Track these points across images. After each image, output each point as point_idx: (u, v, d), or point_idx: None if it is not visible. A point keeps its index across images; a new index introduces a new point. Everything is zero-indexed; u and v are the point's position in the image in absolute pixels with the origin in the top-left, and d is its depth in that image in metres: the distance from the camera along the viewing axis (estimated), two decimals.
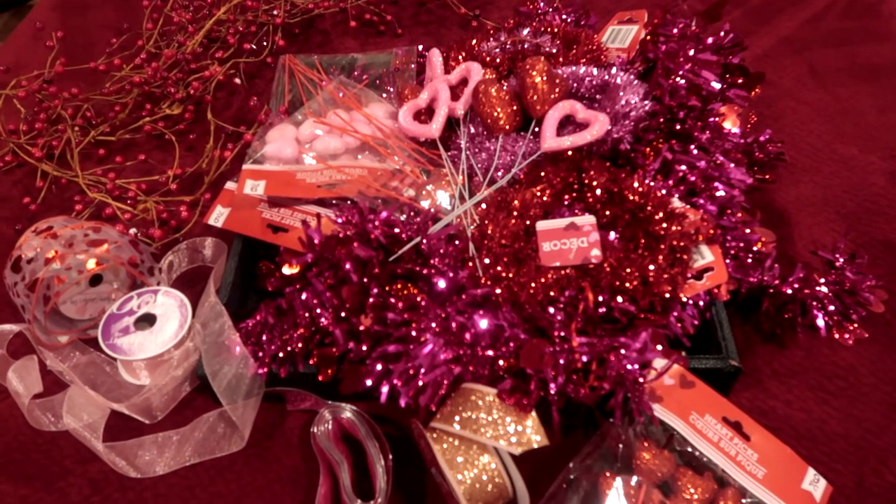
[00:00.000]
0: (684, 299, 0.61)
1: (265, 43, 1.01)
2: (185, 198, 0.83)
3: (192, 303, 0.69)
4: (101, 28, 1.12)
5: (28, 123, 0.92)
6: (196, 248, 0.77)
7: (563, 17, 0.99)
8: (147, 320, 0.68)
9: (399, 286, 0.61)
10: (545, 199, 0.67)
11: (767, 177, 0.79)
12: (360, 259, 0.61)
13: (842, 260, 0.68)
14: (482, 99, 0.73)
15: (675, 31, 0.75)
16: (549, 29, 0.89)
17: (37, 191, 0.87)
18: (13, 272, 0.67)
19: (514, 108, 0.73)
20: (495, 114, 0.72)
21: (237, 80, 0.98)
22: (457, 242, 0.64)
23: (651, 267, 0.60)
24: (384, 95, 0.87)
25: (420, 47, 0.93)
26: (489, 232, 0.64)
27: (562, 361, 0.55)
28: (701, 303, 0.63)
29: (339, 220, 0.64)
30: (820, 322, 0.66)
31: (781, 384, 0.64)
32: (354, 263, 0.60)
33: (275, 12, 1.01)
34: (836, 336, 0.67)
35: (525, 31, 0.89)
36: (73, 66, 0.96)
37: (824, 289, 0.66)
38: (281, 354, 0.62)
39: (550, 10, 1.01)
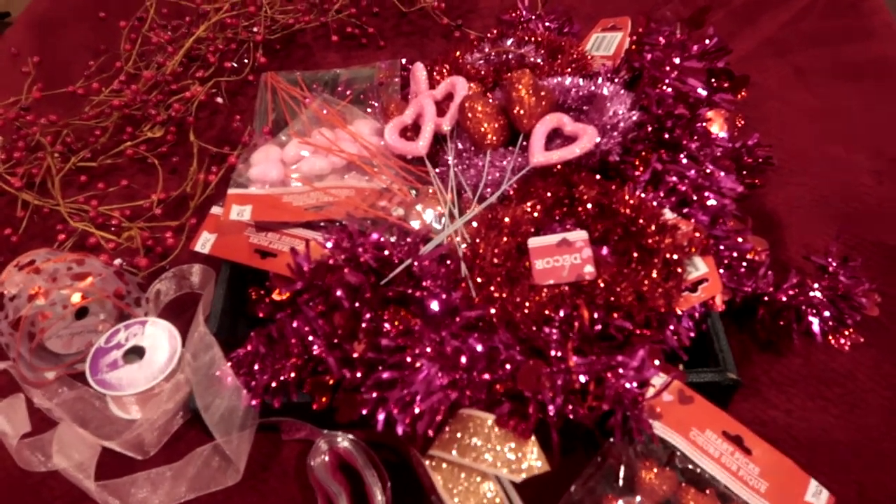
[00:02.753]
0: (679, 312, 0.61)
1: (246, 60, 1.00)
2: (171, 223, 0.82)
3: (181, 331, 0.68)
4: (78, 48, 1.10)
5: (6, 152, 0.90)
6: (183, 275, 0.76)
7: (547, 24, 0.99)
8: (136, 353, 0.67)
9: (392, 310, 0.60)
10: (536, 214, 0.66)
11: (757, 181, 0.78)
12: (351, 285, 0.60)
13: (834, 264, 0.68)
14: (468, 114, 0.72)
15: (661, 39, 0.74)
16: (532, 38, 0.88)
17: (18, 221, 0.85)
18: None
19: (501, 122, 0.72)
20: (482, 129, 0.71)
21: (219, 100, 0.97)
22: (448, 263, 0.64)
23: (645, 281, 0.60)
24: (369, 110, 0.86)
25: (403, 60, 0.92)
26: (481, 251, 0.63)
27: (559, 382, 0.55)
28: (696, 314, 0.62)
29: (329, 245, 0.63)
30: (816, 328, 0.66)
31: (780, 393, 0.63)
32: (345, 289, 0.59)
33: (255, 29, 1.00)
34: (833, 342, 0.66)
35: (509, 42, 0.89)
36: (50, 91, 0.95)
37: (818, 294, 0.66)
38: (274, 384, 0.61)
39: (533, 17, 1.01)
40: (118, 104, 0.90)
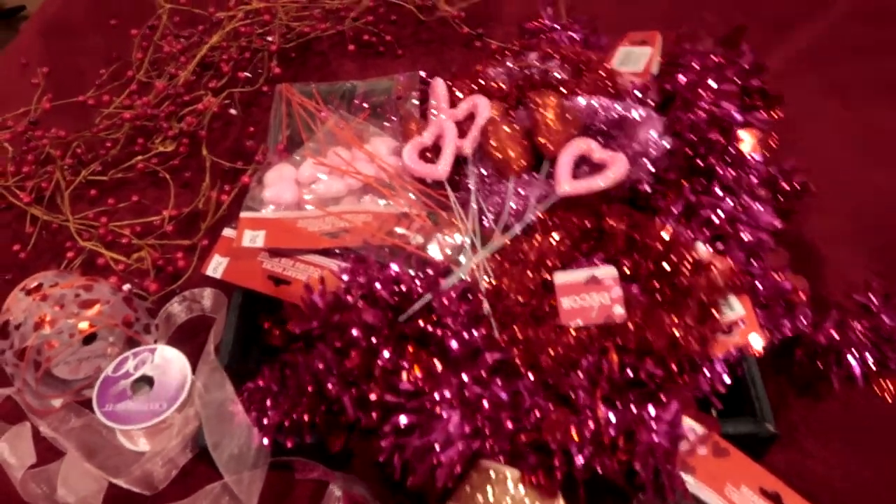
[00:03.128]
0: (714, 357, 0.58)
1: (260, 70, 0.97)
2: (182, 241, 0.79)
3: (192, 357, 0.66)
4: (90, 55, 1.07)
5: (15, 164, 0.88)
6: (195, 298, 0.73)
7: (571, 34, 0.95)
8: (144, 381, 0.65)
9: (411, 351, 0.57)
10: (562, 248, 0.63)
11: (793, 209, 0.75)
12: (367, 324, 0.57)
13: (877, 302, 0.65)
14: (491, 138, 0.69)
15: (695, 61, 0.71)
16: (557, 53, 0.84)
17: (26, 236, 0.83)
18: (0, 338, 0.64)
19: (526, 146, 0.69)
20: (505, 154, 0.68)
21: (232, 111, 0.94)
22: (469, 297, 0.61)
23: (679, 324, 0.56)
24: (386, 125, 0.83)
25: (423, 73, 0.89)
26: (504, 287, 0.60)
27: (587, 432, 0.52)
28: (731, 358, 0.59)
29: (345, 278, 0.61)
30: (857, 372, 0.62)
31: (819, 442, 0.60)
32: (362, 328, 0.57)
33: (269, 38, 0.97)
34: (875, 387, 0.63)
35: (532, 56, 0.85)
36: (60, 101, 0.93)
37: (860, 335, 0.62)
38: (286, 423, 0.58)
39: (557, 27, 0.97)
40: (129, 117, 0.88)
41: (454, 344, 0.56)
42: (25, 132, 0.87)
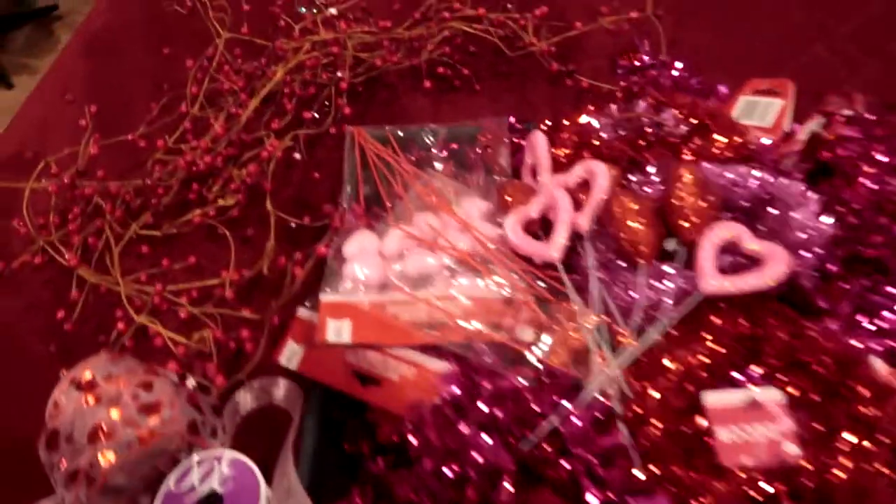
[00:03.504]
0: None
1: (326, 105, 0.88)
2: (246, 313, 0.70)
3: (262, 456, 0.57)
4: (138, 85, 0.98)
5: (59, 214, 0.79)
6: (265, 388, 0.64)
7: (673, 72, 0.85)
8: (212, 499, 0.56)
9: (537, 492, 0.48)
10: (707, 360, 0.53)
11: None
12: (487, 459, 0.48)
13: None
14: (617, 216, 0.59)
15: (854, 128, 0.60)
16: (671, 102, 0.74)
17: (71, 298, 0.75)
18: (48, 450, 0.55)
19: (658, 227, 0.58)
20: (633, 237, 0.58)
21: (297, 155, 0.84)
22: (602, 419, 0.51)
23: (865, 466, 0.46)
24: (470, 176, 0.74)
25: (512, 119, 0.79)
26: (644, 408, 0.50)
27: None
28: None
29: (455, 391, 0.51)
30: None
31: None
32: (478, 467, 0.47)
33: (338, 73, 0.87)
34: None
35: (640, 105, 0.75)
36: (107, 140, 0.84)
37: None
38: None
39: (657, 63, 0.87)
40: (185, 165, 0.79)
41: (590, 484, 0.47)
42: (72, 183, 0.78)
